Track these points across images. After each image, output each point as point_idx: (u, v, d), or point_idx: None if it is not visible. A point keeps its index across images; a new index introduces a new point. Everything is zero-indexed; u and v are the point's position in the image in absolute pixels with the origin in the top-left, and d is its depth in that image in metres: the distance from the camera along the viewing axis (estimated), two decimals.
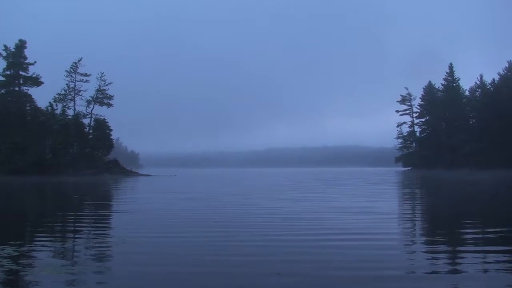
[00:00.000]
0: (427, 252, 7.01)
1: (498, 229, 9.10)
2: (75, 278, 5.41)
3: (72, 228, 10.52)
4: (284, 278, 5.30)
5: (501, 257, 6.28)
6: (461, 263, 6.18)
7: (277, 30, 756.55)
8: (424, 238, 8.72)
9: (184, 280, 5.37)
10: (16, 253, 6.64)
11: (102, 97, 67.99)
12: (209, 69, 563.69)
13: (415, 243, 8.14)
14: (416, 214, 13.48)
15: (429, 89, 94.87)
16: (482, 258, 6.44)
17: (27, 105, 63.47)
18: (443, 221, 11.14)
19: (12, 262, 6.05)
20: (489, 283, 5.16)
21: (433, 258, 6.46)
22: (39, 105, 64.20)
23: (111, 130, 68.59)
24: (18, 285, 5.22)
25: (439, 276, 5.43)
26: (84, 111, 67.26)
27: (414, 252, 7.08)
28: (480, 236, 8.66)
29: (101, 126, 67.13)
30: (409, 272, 5.65)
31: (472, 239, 8.21)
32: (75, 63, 67.15)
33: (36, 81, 63.95)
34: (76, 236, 9.27)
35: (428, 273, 5.63)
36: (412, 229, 10.02)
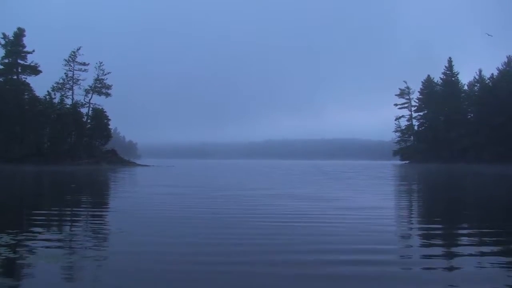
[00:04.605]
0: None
1: None
2: (73, 266, 5.47)
3: (69, 217, 10.58)
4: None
5: None
6: None
7: (277, 22, 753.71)
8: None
9: (182, 262, 5.43)
10: (13, 242, 6.68)
11: (100, 87, 67.83)
12: (209, 60, 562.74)
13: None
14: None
15: (428, 83, 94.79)
16: None
17: (25, 93, 63.17)
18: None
19: (9, 250, 6.09)
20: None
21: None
22: (37, 94, 64.04)
23: (109, 120, 68.55)
24: (16, 273, 5.26)
25: None
26: (82, 101, 67.32)
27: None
28: None
29: (99, 116, 66.98)
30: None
31: None
32: (74, 52, 66.89)
33: (34, 70, 63.62)
34: (73, 224, 9.32)
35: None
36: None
